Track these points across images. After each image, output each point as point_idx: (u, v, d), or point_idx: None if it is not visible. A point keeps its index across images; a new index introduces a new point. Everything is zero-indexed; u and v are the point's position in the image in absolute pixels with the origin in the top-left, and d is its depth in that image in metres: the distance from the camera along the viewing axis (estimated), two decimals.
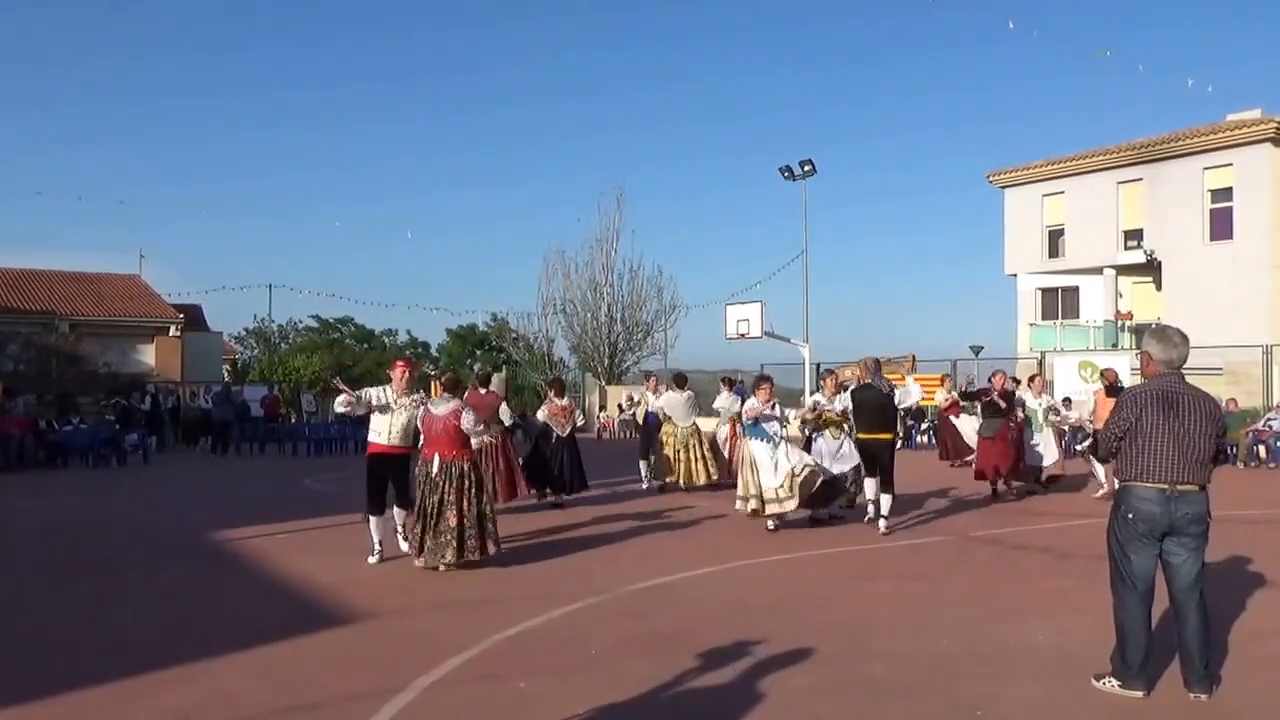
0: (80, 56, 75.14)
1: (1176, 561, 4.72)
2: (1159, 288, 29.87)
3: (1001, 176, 33.79)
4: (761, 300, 27.73)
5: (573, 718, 4.49)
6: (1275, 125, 27.28)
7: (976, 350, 29.87)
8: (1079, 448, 17.35)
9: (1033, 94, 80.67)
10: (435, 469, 7.97)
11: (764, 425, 10.07)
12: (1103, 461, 11.77)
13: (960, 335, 66.48)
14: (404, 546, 8.46)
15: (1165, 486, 4.66)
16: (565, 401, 12.81)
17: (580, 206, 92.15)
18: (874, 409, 10.08)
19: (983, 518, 11.30)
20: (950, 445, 18.52)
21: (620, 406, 20.42)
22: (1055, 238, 32.50)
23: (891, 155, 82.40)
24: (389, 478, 8.51)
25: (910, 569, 8.29)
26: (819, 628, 6.07)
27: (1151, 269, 30.00)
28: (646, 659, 5.38)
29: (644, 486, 14.28)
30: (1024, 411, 13.39)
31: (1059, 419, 14.36)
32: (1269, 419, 19.12)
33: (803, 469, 9.91)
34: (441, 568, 7.93)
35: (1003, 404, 13.05)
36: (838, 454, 10.56)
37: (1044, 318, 32.80)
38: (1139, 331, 28.02)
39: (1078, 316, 31.75)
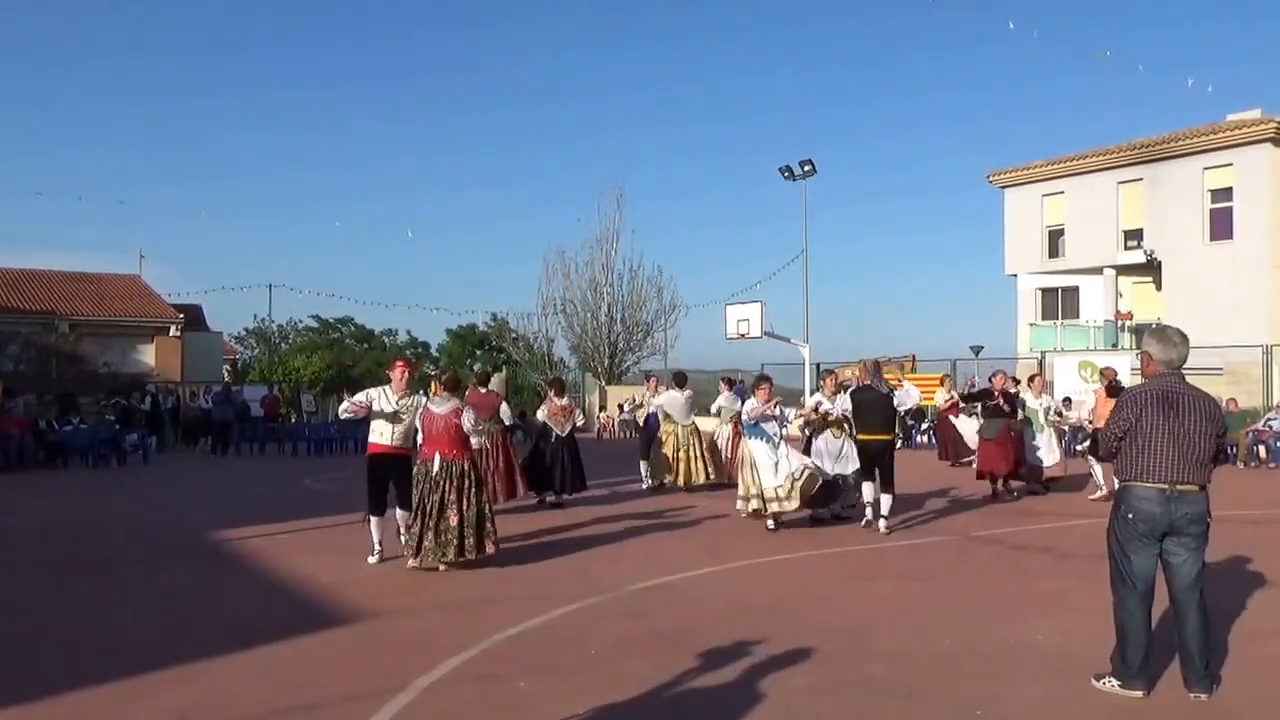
0: (80, 56, 75.30)
1: (1176, 561, 4.72)
2: (1159, 288, 29.87)
3: (1001, 176, 33.79)
4: (761, 300, 27.84)
5: (573, 718, 4.49)
6: (1275, 125, 27.28)
7: (976, 350, 29.88)
8: (1079, 448, 17.35)
9: (1033, 94, 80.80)
10: (436, 468, 7.96)
11: (764, 425, 10.08)
12: (1102, 461, 11.77)
13: (960, 335, 66.55)
14: None
15: (1165, 486, 4.66)
16: (565, 401, 12.81)
17: (580, 206, 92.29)
18: (873, 410, 10.09)
19: (983, 518, 11.30)
20: (950, 445, 18.53)
21: (621, 406, 20.41)
22: (1055, 238, 32.50)
23: (891, 155, 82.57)
24: (390, 478, 8.50)
25: (910, 569, 8.29)
26: (819, 628, 6.07)
27: (1151, 269, 30.00)
28: (646, 659, 5.38)
29: (644, 487, 14.29)
30: (1024, 411, 13.40)
31: (1059, 419, 14.36)
32: (1269, 419, 19.12)
33: (802, 473, 9.92)
34: (441, 567, 7.93)
35: (1006, 407, 13.06)
36: (840, 456, 10.56)
37: (1044, 318, 32.79)
38: (1139, 331, 28.02)
39: (1078, 316, 31.75)
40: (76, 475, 18.15)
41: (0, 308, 31.25)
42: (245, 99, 78.88)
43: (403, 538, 8.46)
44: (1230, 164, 28.19)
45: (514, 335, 42.48)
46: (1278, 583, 7.28)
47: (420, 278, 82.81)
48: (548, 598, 6.96)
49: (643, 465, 14.69)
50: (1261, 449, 18.36)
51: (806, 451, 10.88)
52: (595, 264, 39.08)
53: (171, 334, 34.01)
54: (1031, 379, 14.84)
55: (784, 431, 10.30)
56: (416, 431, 8.37)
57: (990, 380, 14.04)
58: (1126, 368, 19.40)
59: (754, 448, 10.12)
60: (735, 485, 10.92)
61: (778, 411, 10.23)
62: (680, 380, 14.80)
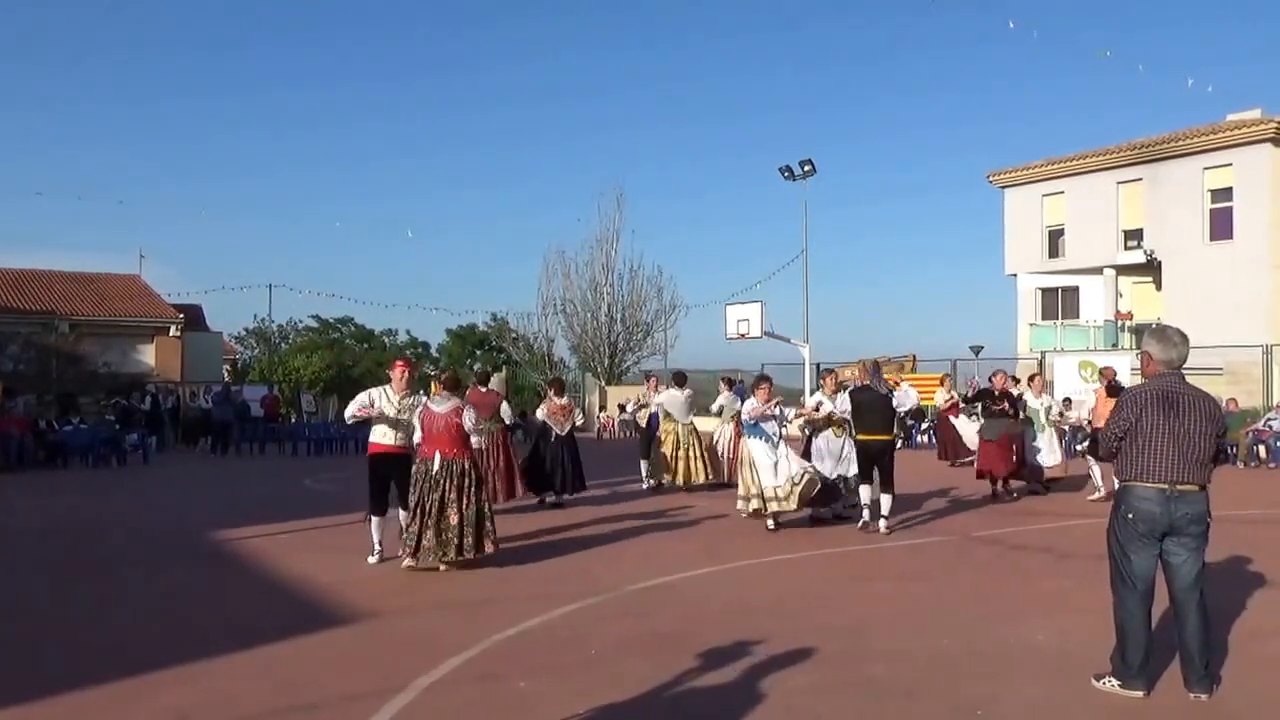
0: (80, 56, 75.27)
1: (1176, 561, 4.72)
2: (1159, 288, 29.87)
3: (1001, 176, 33.79)
4: (761, 300, 27.80)
5: (573, 718, 4.49)
6: (1275, 125, 27.28)
7: (976, 350, 29.89)
8: (1079, 448, 17.35)
9: (1033, 94, 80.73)
10: (436, 467, 7.95)
11: (763, 425, 10.08)
12: (1102, 461, 11.77)
13: (960, 335, 66.30)
14: None
15: (1165, 486, 4.66)
16: (564, 400, 12.81)
17: (580, 206, 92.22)
18: (873, 410, 10.09)
19: (983, 518, 11.30)
20: (949, 445, 18.53)
21: (621, 407, 20.42)
22: (1055, 238, 32.50)
23: (891, 155, 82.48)
24: (392, 478, 8.49)
25: (910, 569, 8.29)
26: (819, 628, 6.07)
27: (1151, 269, 30.01)
28: (646, 659, 5.38)
29: (644, 487, 14.29)
30: (1025, 412, 13.39)
31: (1060, 419, 14.37)
32: (1269, 419, 19.12)
33: (803, 477, 9.93)
34: (442, 567, 7.93)
35: (1010, 410, 13.06)
36: (841, 457, 10.56)
37: (1044, 318, 32.79)
38: (1139, 331, 28.02)
39: (1078, 316, 31.75)
40: (76, 475, 18.15)
41: (0, 308, 31.26)
42: (245, 99, 78.95)
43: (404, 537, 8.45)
44: (1230, 164, 28.19)
45: (514, 335, 42.50)
46: (1278, 583, 7.28)
47: (420, 278, 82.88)
48: (548, 598, 6.96)
49: (643, 465, 14.70)
50: (1261, 449, 18.36)
51: (806, 452, 10.89)
52: (595, 264, 39.16)
53: (171, 334, 34.02)
54: (1031, 379, 14.84)
55: (784, 431, 10.31)
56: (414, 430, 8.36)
57: (990, 380, 14.04)
58: (1126, 368, 19.40)
59: (753, 447, 10.12)
60: (734, 485, 10.92)
61: (777, 411, 10.23)
62: (680, 380, 14.84)
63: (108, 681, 5.08)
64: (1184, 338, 4.86)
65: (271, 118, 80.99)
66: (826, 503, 10.54)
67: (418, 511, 7.95)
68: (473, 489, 8.02)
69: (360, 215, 79.51)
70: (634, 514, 11.49)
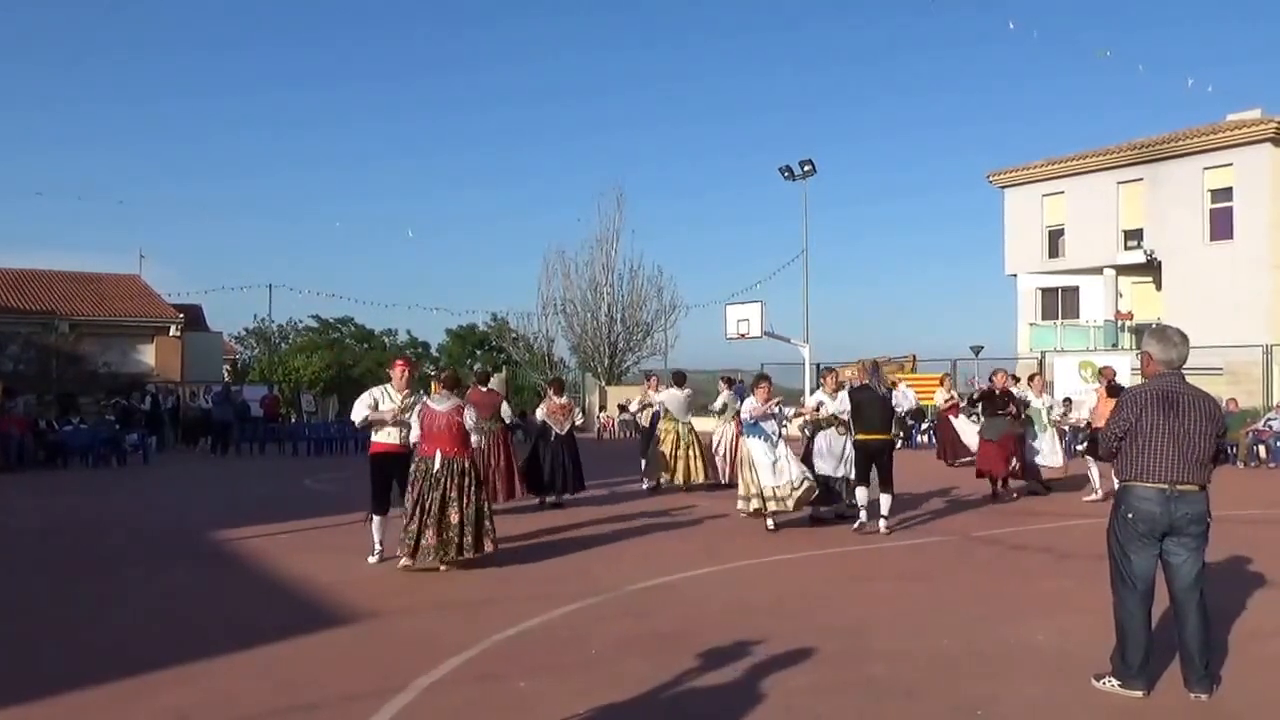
0: (80, 56, 75.28)
1: (1176, 561, 4.72)
2: (1159, 288, 29.88)
3: (1001, 176, 33.79)
4: (761, 300, 27.81)
5: (573, 718, 4.49)
6: (1275, 125, 27.28)
7: (976, 350, 29.89)
8: (1079, 448, 17.34)
9: (1033, 94, 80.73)
10: (437, 465, 7.95)
11: (763, 425, 10.08)
12: (1101, 462, 11.77)
13: (960, 335, 66.46)
14: None
15: (1165, 486, 4.66)
16: (564, 400, 12.81)
17: (580, 206, 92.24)
18: (872, 409, 10.09)
19: (983, 518, 11.30)
20: (949, 445, 18.49)
21: (621, 407, 20.41)
22: (1055, 238, 32.50)
23: (891, 155, 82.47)
24: (394, 477, 8.49)
25: (910, 569, 8.29)
26: (819, 628, 6.07)
27: (1151, 269, 30.01)
28: (646, 659, 5.38)
29: (644, 487, 14.29)
30: (1026, 411, 13.39)
31: (1060, 419, 14.36)
32: (1269, 419, 19.13)
33: (802, 483, 9.93)
34: (442, 567, 7.92)
35: (1012, 410, 13.05)
36: (843, 457, 10.55)
37: (1044, 318, 32.80)
38: (1139, 331, 28.02)
39: (1078, 316, 31.75)
40: (76, 475, 18.16)
41: (0, 308, 31.26)
42: (245, 99, 78.96)
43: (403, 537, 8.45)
44: (1230, 164, 28.20)
45: (514, 335, 42.52)
46: (1278, 583, 7.28)
47: (420, 278, 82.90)
48: (548, 598, 6.96)
49: (644, 465, 14.69)
50: (1261, 449, 18.37)
51: (807, 452, 10.87)
52: (595, 264, 39.19)
53: (171, 334, 34.02)
54: (1031, 378, 14.84)
55: (783, 431, 10.31)
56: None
57: (990, 379, 14.04)
58: (1126, 368, 19.41)
59: (753, 446, 10.13)
60: (734, 486, 10.91)
61: (777, 410, 10.23)
62: (680, 379, 14.86)
63: (108, 681, 5.08)
64: (1184, 338, 4.86)
65: (271, 118, 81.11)
66: (827, 502, 10.54)
67: (417, 510, 7.94)
68: (473, 488, 8.01)
69: (360, 215, 79.60)
70: (634, 514, 11.49)
